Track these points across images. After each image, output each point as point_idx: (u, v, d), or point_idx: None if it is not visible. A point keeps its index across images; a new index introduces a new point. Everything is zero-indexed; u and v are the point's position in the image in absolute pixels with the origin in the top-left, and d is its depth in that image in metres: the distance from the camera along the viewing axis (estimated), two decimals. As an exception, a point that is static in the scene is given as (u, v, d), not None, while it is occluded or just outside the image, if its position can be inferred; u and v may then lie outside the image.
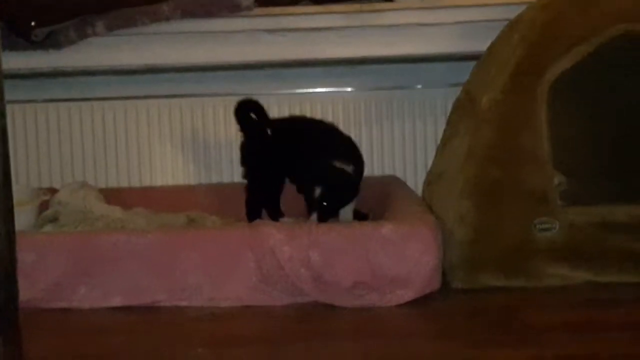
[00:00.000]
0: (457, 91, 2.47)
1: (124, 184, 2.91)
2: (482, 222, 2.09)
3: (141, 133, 2.90)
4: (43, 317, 1.90)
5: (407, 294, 1.97)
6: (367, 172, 2.45)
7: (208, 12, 2.63)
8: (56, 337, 1.81)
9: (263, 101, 2.61)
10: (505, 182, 2.09)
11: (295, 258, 1.99)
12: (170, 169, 2.92)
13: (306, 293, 1.99)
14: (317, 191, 2.32)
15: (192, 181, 2.91)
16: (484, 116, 2.12)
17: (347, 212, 2.39)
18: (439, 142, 2.52)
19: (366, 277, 1.97)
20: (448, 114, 2.50)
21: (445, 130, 2.45)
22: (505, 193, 2.09)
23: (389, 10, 2.67)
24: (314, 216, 2.31)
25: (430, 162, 2.56)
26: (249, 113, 2.56)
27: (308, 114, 2.88)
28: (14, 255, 0.76)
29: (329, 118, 2.87)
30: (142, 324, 1.91)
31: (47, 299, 1.98)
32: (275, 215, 2.50)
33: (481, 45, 2.37)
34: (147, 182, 2.91)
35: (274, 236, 2.01)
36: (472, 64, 2.42)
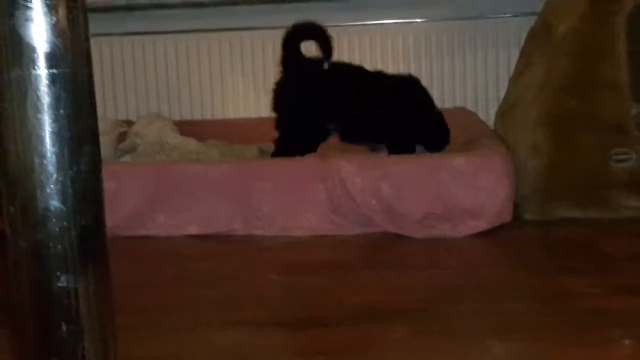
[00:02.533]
0: (530, 20, 2.42)
1: (197, 116, 2.95)
2: (557, 152, 2.07)
3: (214, 66, 2.93)
4: (124, 245, 1.98)
5: (478, 225, 1.98)
6: (438, 104, 2.43)
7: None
8: (137, 264, 1.88)
9: (333, 32, 2.59)
10: (581, 112, 2.06)
11: (366, 189, 2.00)
12: (242, 101, 2.95)
13: (377, 224, 2.01)
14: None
15: (264, 113, 2.94)
16: (561, 45, 2.08)
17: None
18: (511, 72, 2.48)
19: (437, 208, 1.98)
20: (521, 44, 2.45)
21: (518, 60, 2.41)
22: (581, 123, 2.06)
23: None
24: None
25: (502, 94, 2.53)
26: (300, 42, 2.29)
27: (378, 46, 2.86)
28: (101, 181, 0.79)
29: (399, 50, 2.85)
30: (218, 251, 1.96)
31: (127, 226, 2.05)
32: None
33: (558, -28, 2.30)
34: (219, 115, 2.95)
35: (346, 168, 2.02)
36: (548, -8, 2.36)
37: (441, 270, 1.74)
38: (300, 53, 2.31)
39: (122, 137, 2.63)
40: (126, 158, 2.45)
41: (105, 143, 2.49)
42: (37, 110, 0.74)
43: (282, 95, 2.30)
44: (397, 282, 1.67)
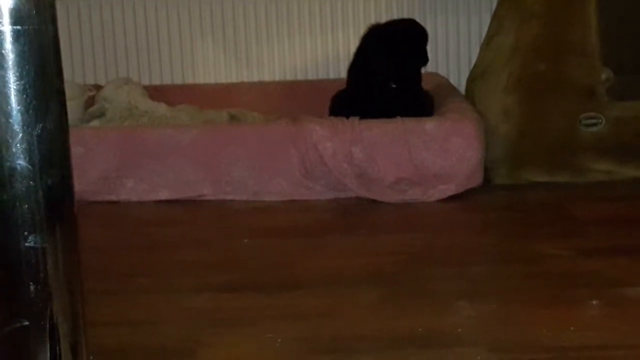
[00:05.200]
0: (503, -14, 2.41)
1: (167, 81, 2.92)
2: (527, 117, 2.08)
3: (184, 30, 2.89)
4: (93, 210, 1.96)
5: (449, 189, 1.99)
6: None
7: None
8: (106, 229, 1.87)
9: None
10: (551, 77, 2.06)
11: (338, 154, 2.00)
12: (212, 66, 2.92)
13: (349, 188, 2.01)
14: None
15: (234, 79, 2.91)
16: (531, 10, 2.08)
17: None
18: (483, 38, 2.47)
19: (409, 172, 1.99)
20: (493, 10, 2.45)
21: (490, 26, 2.40)
22: (551, 88, 2.07)
23: None
24: None
25: (473, 60, 2.52)
26: None
27: (350, 11, 2.84)
28: (67, 141, 0.78)
29: (371, 15, 2.83)
30: (188, 216, 1.96)
31: (96, 191, 2.03)
32: None
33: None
34: (189, 80, 2.92)
35: (317, 132, 2.02)
36: (520, -44, 2.35)
37: (412, 234, 1.75)
38: None
39: (90, 101, 2.59)
40: (95, 123, 2.42)
41: (73, 107, 2.45)
42: (2, 67, 0.72)
43: None
44: (368, 246, 1.67)
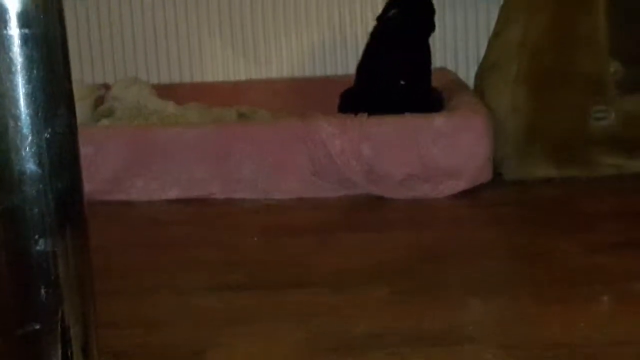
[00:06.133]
0: (510, -21, 2.40)
1: (176, 79, 2.92)
2: (536, 111, 2.07)
3: (192, 29, 2.90)
4: (103, 209, 1.97)
5: (458, 185, 1.98)
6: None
7: None
8: (116, 228, 1.88)
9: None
10: (559, 71, 2.05)
11: (346, 151, 2.00)
12: (220, 64, 2.92)
13: (358, 185, 2.01)
14: None
15: (242, 76, 2.91)
16: (539, 3, 2.07)
17: None
18: (491, 32, 2.47)
19: (418, 168, 1.98)
20: (501, 3, 2.44)
21: (497, 20, 2.39)
22: (560, 82, 2.06)
23: None
24: None
25: (482, 54, 2.52)
26: None
27: (358, 6, 2.84)
28: (77, 143, 0.78)
29: (379, 10, 2.83)
30: (198, 215, 1.96)
31: (106, 191, 2.04)
32: None
33: None
34: (198, 78, 2.92)
35: (326, 129, 2.01)
36: (527, -50, 2.34)
37: (422, 231, 1.75)
38: None
39: (99, 101, 2.60)
40: (104, 122, 2.42)
41: (83, 107, 2.46)
42: (10, 71, 0.72)
43: None
44: (378, 244, 1.67)
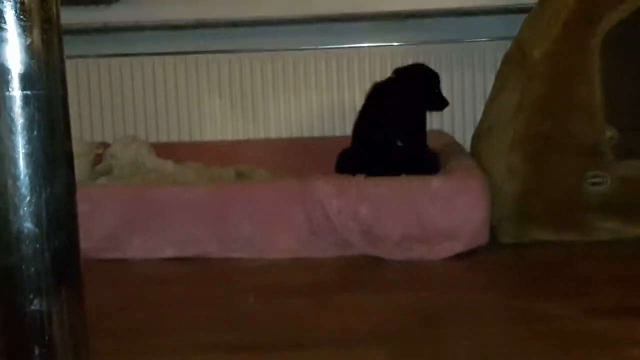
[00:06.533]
0: (506, 44, 2.44)
1: (174, 138, 2.94)
2: (532, 175, 2.08)
3: (191, 88, 2.93)
4: (98, 267, 1.95)
5: (455, 247, 1.98)
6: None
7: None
8: (111, 287, 1.86)
9: (310, 56, 2.60)
10: (556, 135, 2.07)
11: (344, 211, 2.00)
12: (219, 123, 2.94)
13: (355, 246, 2.01)
14: None
15: (241, 136, 2.93)
16: (536, 68, 2.09)
17: None
18: (487, 96, 2.49)
19: (415, 230, 1.99)
20: (497, 68, 2.47)
21: (494, 84, 2.42)
22: (556, 146, 2.07)
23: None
24: None
25: (478, 117, 2.54)
26: None
27: (355, 69, 2.87)
28: (75, 204, 0.78)
29: (376, 72, 2.86)
30: (194, 274, 1.95)
31: (102, 249, 2.03)
32: None
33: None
34: (196, 137, 2.94)
35: (323, 189, 2.02)
36: (522, 17, 2.38)
37: (419, 293, 1.74)
38: None
39: (98, 159, 2.61)
40: (102, 180, 2.43)
41: (81, 165, 2.47)
42: (11, 131, 0.73)
43: None
44: (374, 305, 1.66)
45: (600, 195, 2.06)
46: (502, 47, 2.48)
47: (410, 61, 2.85)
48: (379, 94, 2.36)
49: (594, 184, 2.06)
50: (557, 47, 2.07)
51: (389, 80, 2.40)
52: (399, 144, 2.26)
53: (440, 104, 2.37)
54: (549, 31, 2.09)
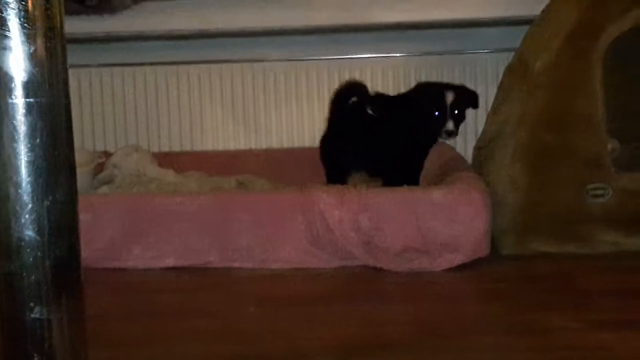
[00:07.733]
0: (508, 56, 2.44)
1: (176, 148, 2.94)
2: (534, 187, 2.08)
3: (193, 98, 2.93)
4: (99, 277, 1.95)
5: (456, 259, 1.97)
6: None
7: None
8: (112, 296, 1.86)
9: (312, 66, 2.61)
10: (557, 147, 2.07)
11: (345, 222, 2.00)
12: (220, 133, 2.94)
13: (356, 256, 2.01)
14: None
15: (242, 145, 2.94)
16: (538, 80, 2.10)
17: None
18: (489, 108, 2.49)
19: (416, 241, 1.98)
20: (499, 80, 2.48)
21: (496, 96, 2.42)
22: (558, 158, 2.07)
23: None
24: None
25: (480, 128, 2.54)
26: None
27: (358, 79, 2.88)
28: (76, 212, 0.78)
29: (378, 84, 2.87)
30: (195, 284, 1.95)
31: (102, 258, 2.03)
32: None
33: (534, 9, 2.34)
34: (198, 147, 2.94)
35: (324, 200, 2.02)
36: (525, 28, 2.38)
37: (420, 304, 1.73)
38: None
39: (99, 168, 2.62)
40: (103, 189, 2.43)
41: (83, 174, 2.47)
42: (13, 139, 0.73)
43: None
44: (375, 316, 1.66)
45: (601, 207, 2.05)
46: (504, 59, 2.49)
47: (412, 73, 2.87)
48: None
49: (595, 196, 2.06)
50: (559, 59, 2.07)
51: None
52: (397, 153, 2.29)
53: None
54: (550, 43, 2.09)
